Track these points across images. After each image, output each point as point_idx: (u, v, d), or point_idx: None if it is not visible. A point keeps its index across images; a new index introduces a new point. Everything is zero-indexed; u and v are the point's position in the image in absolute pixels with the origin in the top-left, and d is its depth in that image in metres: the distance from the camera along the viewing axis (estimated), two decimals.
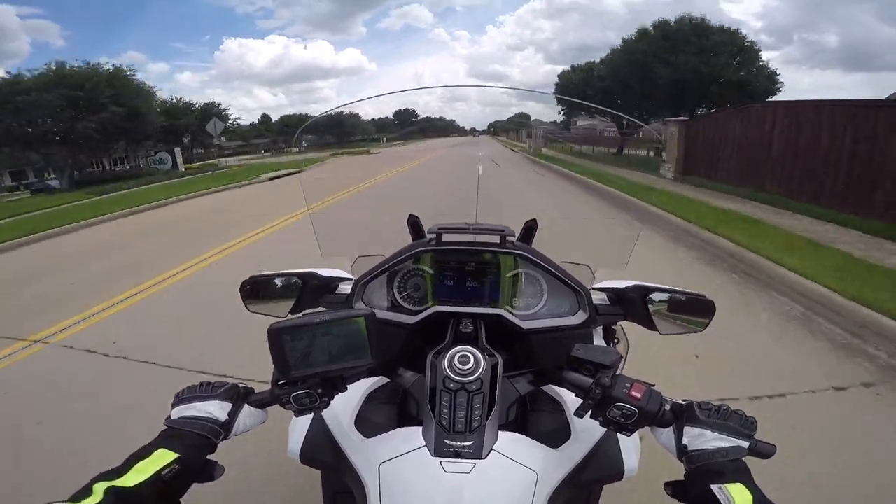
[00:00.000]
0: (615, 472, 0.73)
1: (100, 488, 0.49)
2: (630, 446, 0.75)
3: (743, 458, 0.57)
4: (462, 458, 0.62)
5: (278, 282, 0.93)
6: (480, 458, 0.62)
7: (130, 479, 0.51)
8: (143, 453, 0.55)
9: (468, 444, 0.63)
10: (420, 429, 0.66)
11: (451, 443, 0.63)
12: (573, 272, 0.87)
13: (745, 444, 0.57)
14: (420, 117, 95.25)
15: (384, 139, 56.57)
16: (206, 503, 1.62)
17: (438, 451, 0.63)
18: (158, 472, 0.53)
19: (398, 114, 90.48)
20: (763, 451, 0.58)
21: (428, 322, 0.83)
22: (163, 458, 0.55)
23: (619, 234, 5.85)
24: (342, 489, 0.80)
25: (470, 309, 0.84)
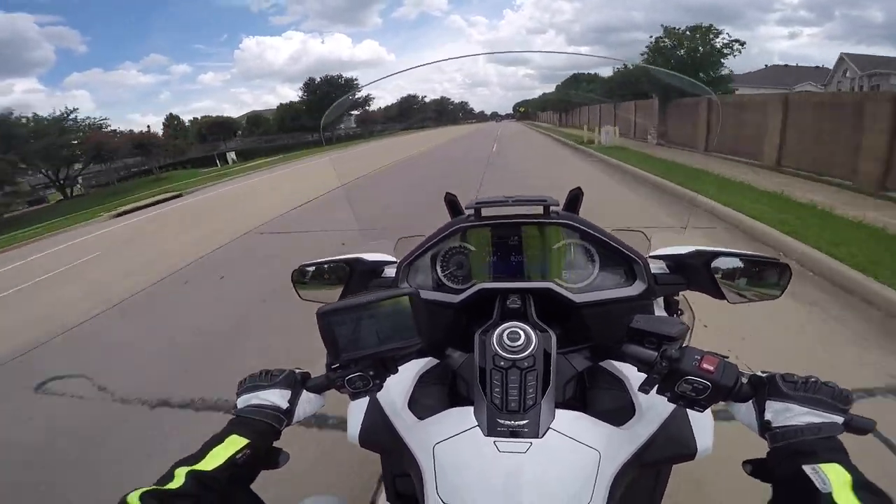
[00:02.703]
0: (686, 451, 0.68)
1: (181, 472, 0.52)
2: (703, 423, 0.69)
3: (838, 437, 0.51)
4: (517, 437, 0.59)
5: (327, 269, 0.95)
6: (537, 437, 0.59)
7: (208, 464, 0.55)
8: (217, 440, 0.58)
9: (523, 423, 0.60)
10: (472, 409, 0.64)
11: (505, 422, 0.61)
12: (627, 240, 0.82)
13: (840, 420, 0.51)
14: (360, 99, 42.94)
15: (230, 157, 28.03)
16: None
17: (491, 430, 0.60)
18: (233, 457, 0.56)
19: (312, 86, 43.76)
20: (860, 426, 0.52)
21: (474, 300, 0.81)
22: (235, 443, 0.58)
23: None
24: (402, 472, 0.80)
25: (517, 284, 0.81)
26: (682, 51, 13.56)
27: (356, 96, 40.91)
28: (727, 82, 14.78)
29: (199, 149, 35.10)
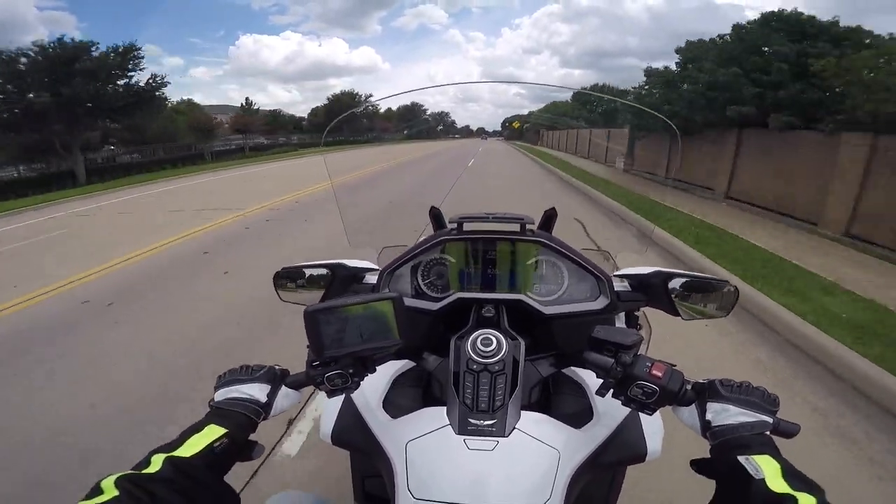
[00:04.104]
0: (638, 453, 0.73)
1: (158, 459, 0.53)
2: (653, 429, 0.75)
3: (768, 433, 0.57)
4: (485, 436, 0.64)
5: (309, 272, 0.97)
6: (503, 436, 0.64)
7: (186, 451, 0.55)
8: (195, 429, 0.59)
9: (491, 422, 0.65)
10: (444, 409, 0.69)
11: (475, 422, 0.65)
12: (594, 259, 0.89)
13: (770, 419, 0.58)
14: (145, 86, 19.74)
15: None
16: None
17: (462, 429, 0.65)
18: (210, 445, 0.57)
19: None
20: (786, 430, 0.58)
21: (451, 308, 0.86)
22: (214, 432, 0.59)
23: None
24: (371, 473, 0.83)
25: (492, 295, 0.86)
26: None
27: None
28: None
29: None
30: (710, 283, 0.85)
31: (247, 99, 56.04)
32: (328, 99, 53.96)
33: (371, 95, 55.68)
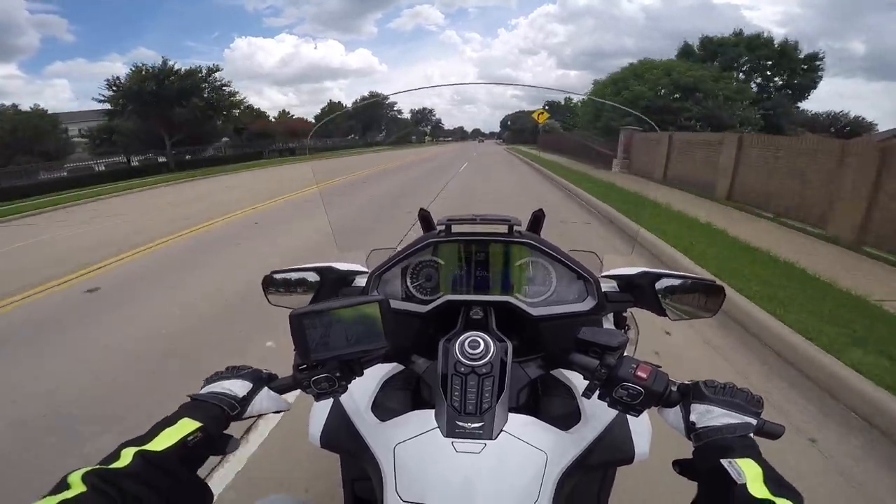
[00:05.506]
0: (626, 455, 0.73)
1: (128, 453, 0.51)
2: (641, 430, 0.75)
3: (751, 435, 0.57)
4: (473, 438, 0.64)
5: (298, 276, 0.96)
6: (491, 439, 0.64)
7: (158, 445, 0.54)
8: (168, 422, 0.58)
9: (478, 425, 0.65)
10: (433, 412, 0.69)
11: (463, 424, 0.65)
12: (581, 260, 0.88)
13: (754, 421, 0.58)
14: None
15: None
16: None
17: (450, 432, 0.65)
18: (184, 439, 0.56)
19: None
20: (771, 431, 0.58)
21: (440, 311, 0.86)
22: (187, 426, 0.58)
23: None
24: (360, 476, 0.83)
25: (480, 297, 0.86)
26: None
27: None
28: None
29: None
30: (697, 283, 0.86)
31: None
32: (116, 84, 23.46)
33: (219, 68, 27.00)
